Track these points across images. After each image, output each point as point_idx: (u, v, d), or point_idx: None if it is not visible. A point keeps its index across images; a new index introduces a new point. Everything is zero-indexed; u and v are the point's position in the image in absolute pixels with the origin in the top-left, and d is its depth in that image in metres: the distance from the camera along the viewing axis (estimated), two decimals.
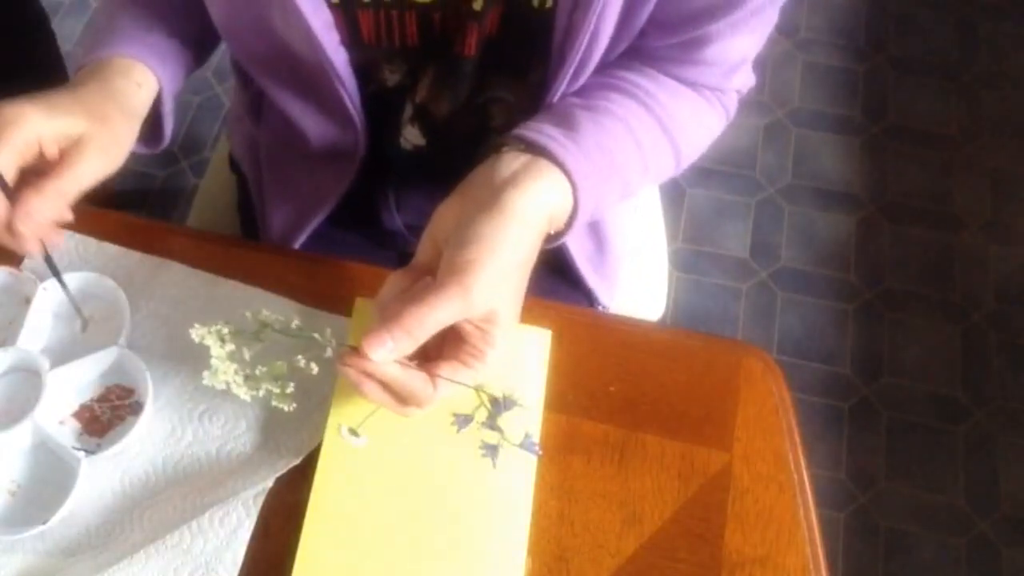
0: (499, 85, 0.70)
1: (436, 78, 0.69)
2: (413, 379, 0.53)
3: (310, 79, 0.68)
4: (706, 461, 0.63)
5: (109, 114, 0.62)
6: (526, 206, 0.55)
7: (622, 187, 0.65)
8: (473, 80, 0.68)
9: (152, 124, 0.71)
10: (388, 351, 0.50)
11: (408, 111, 0.72)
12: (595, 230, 0.85)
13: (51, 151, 0.59)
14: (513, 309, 0.55)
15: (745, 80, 0.73)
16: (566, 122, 0.62)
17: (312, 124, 0.73)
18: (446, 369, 0.54)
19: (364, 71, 0.68)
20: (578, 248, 0.83)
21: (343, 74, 0.66)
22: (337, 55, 0.64)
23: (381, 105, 0.72)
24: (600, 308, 0.90)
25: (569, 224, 0.61)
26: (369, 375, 0.52)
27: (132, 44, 0.68)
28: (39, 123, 0.57)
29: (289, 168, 0.82)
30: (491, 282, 0.52)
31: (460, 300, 0.51)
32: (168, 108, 0.71)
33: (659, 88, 0.67)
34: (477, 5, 0.61)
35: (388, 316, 0.51)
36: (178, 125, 1.22)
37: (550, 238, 0.61)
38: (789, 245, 1.71)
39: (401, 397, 0.54)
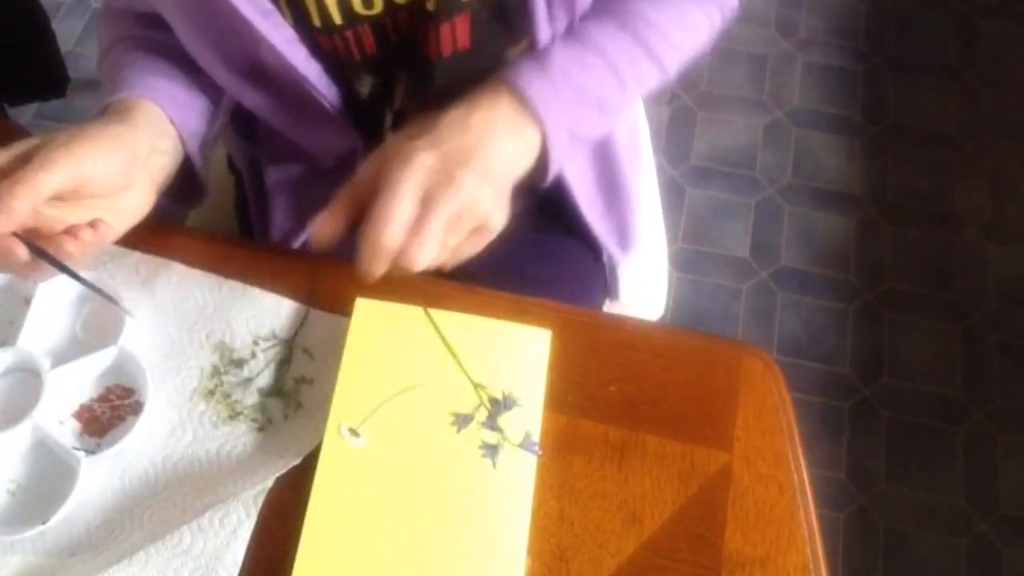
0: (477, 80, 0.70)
1: (409, 85, 0.70)
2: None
3: (293, 96, 0.68)
4: (706, 461, 0.63)
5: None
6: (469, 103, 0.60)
7: (598, 107, 0.67)
8: (446, 82, 0.68)
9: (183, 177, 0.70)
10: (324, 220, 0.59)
11: (388, 121, 0.73)
12: (602, 174, 0.84)
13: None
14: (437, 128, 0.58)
15: None
16: (539, 55, 0.65)
17: (310, 138, 0.73)
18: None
19: (342, 81, 0.69)
20: (586, 200, 0.82)
21: (319, 85, 0.67)
22: (308, 68, 0.65)
23: (367, 113, 0.72)
24: (609, 261, 0.90)
25: (545, 142, 0.63)
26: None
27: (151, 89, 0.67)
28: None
29: (295, 176, 0.82)
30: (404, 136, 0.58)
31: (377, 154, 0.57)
32: (196, 156, 0.70)
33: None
34: (430, 5, 0.62)
35: None
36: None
37: (537, 170, 0.64)
38: (789, 245, 1.71)
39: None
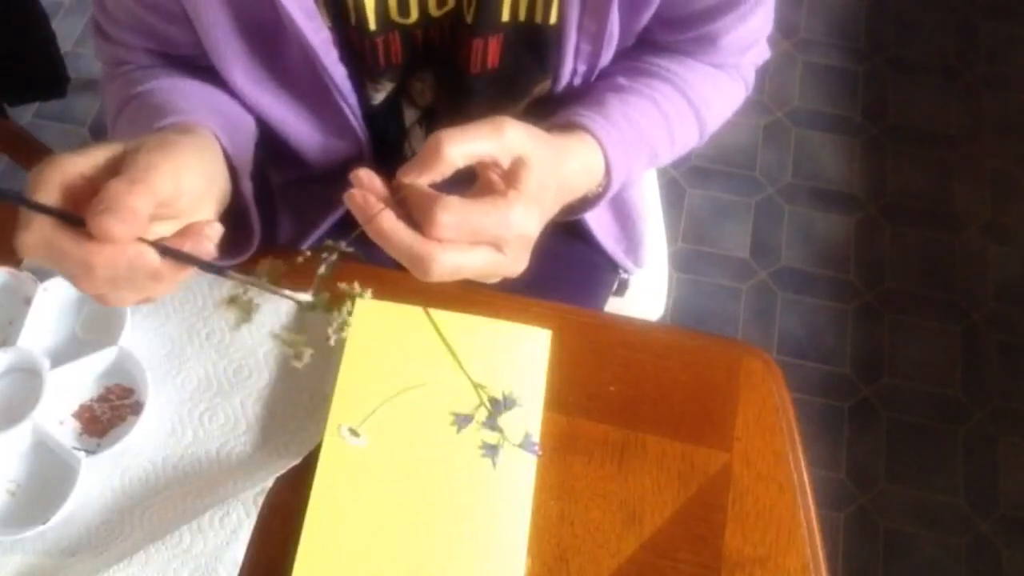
0: (506, 101, 0.70)
1: (440, 87, 0.70)
2: (415, 241, 0.49)
3: (313, 99, 0.68)
4: (706, 461, 0.63)
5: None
6: (565, 140, 0.59)
7: (649, 155, 0.69)
8: (482, 98, 0.69)
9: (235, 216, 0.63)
10: (416, 172, 0.49)
11: (412, 115, 0.73)
12: (618, 212, 0.87)
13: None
14: (542, 187, 0.51)
15: (760, 55, 0.77)
16: (595, 103, 0.65)
17: (316, 143, 0.73)
18: (457, 201, 0.48)
19: (360, 87, 0.69)
20: (604, 232, 0.86)
21: (343, 89, 0.66)
22: (336, 71, 0.65)
23: (382, 117, 0.72)
24: (623, 274, 0.93)
25: (604, 188, 0.64)
26: (377, 211, 0.50)
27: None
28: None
29: (296, 184, 0.82)
30: (523, 129, 0.51)
31: (490, 127, 0.49)
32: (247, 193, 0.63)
33: (681, 66, 0.71)
34: (469, 19, 0.62)
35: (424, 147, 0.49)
36: None
37: (578, 204, 0.64)
38: (789, 245, 1.71)
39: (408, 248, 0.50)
